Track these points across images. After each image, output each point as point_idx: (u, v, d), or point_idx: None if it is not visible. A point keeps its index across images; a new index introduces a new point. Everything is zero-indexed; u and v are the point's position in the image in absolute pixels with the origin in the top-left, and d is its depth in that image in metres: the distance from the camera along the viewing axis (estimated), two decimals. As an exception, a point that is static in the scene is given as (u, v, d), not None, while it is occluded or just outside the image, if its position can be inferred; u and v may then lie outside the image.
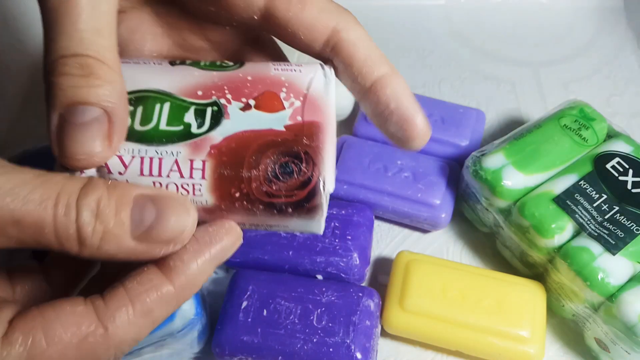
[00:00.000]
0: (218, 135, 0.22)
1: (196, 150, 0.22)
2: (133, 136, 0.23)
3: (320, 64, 0.25)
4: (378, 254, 0.42)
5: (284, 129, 0.23)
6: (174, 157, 0.22)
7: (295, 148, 0.23)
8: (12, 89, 0.50)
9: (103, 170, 0.22)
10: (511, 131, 0.41)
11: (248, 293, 0.35)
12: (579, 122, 0.40)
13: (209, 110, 0.23)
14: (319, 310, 0.34)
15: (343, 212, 0.39)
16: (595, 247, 0.35)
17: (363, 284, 0.39)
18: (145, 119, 0.23)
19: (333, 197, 0.41)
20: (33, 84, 0.52)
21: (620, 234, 0.35)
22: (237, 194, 0.22)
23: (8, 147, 0.46)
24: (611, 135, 0.40)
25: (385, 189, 0.41)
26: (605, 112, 0.42)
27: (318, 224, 0.24)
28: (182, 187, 0.22)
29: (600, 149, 0.39)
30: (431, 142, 0.43)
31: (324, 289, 0.35)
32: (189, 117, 0.23)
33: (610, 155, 0.38)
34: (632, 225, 0.35)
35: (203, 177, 0.22)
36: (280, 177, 0.22)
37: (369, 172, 0.41)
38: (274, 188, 0.22)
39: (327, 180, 0.23)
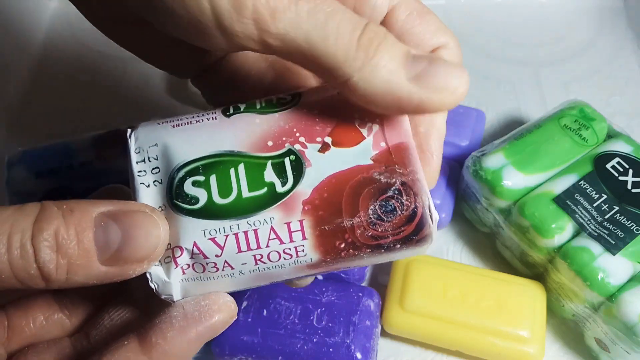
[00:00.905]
0: (306, 188, 0.21)
1: (289, 211, 0.21)
2: (219, 212, 0.21)
3: None
4: (378, 254, 0.42)
5: (371, 162, 0.21)
6: (269, 224, 0.20)
7: (390, 181, 0.21)
8: (12, 89, 0.51)
9: (199, 257, 0.21)
10: (511, 131, 0.41)
11: (248, 293, 0.35)
12: (579, 122, 0.40)
13: (287, 162, 0.21)
14: (319, 310, 0.34)
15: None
16: (595, 247, 0.35)
17: (363, 284, 0.39)
18: (224, 189, 0.21)
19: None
20: (33, 84, 0.52)
21: (620, 234, 0.35)
22: (342, 245, 0.21)
23: (8, 147, 0.46)
24: (611, 135, 0.40)
25: (385, 189, 0.41)
26: (605, 112, 0.42)
27: (426, 249, 0.22)
28: (284, 252, 0.21)
29: (600, 149, 0.39)
30: (431, 142, 0.43)
31: (324, 289, 0.35)
32: (269, 175, 0.21)
33: (610, 155, 0.38)
34: (632, 225, 0.35)
35: (304, 238, 0.21)
36: (384, 218, 0.21)
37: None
38: (379, 230, 0.21)
39: (432, 206, 0.21)
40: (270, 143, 0.21)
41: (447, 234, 0.43)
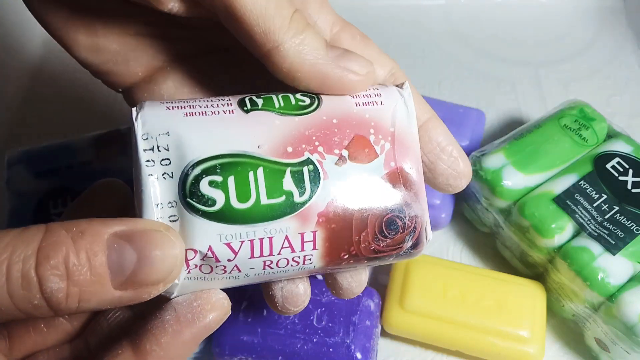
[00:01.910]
0: (322, 201, 0.21)
1: (304, 222, 0.21)
2: (236, 217, 0.20)
3: (398, 89, 0.24)
4: (378, 254, 0.42)
5: (382, 181, 0.22)
6: (284, 233, 0.21)
7: (397, 201, 0.22)
8: (12, 89, 0.51)
9: (210, 260, 0.20)
10: (511, 131, 0.41)
11: (248, 293, 0.35)
12: (579, 122, 0.40)
13: (305, 172, 0.21)
14: (319, 310, 0.34)
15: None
16: (595, 247, 0.35)
17: (363, 284, 0.39)
18: (243, 194, 0.20)
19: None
20: (33, 84, 0.52)
21: (620, 234, 0.35)
22: (346, 256, 0.22)
23: (8, 147, 0.46)
24: (611, 135, 0.40)
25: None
26: (605, 112, 0.42)
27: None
28: (293, 259, 0.21)
29: (600, 149, 0.39)
30: (431, 142, 0.43)
31: (324, 289, 0.35)
32: (288, 183, 0.21)
33: (610, 155, 0.38)
34: (632, 225, 0.35)
35: (314, 248, 0.21)
36: (387, 234, 0.22)
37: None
38: (381, 245, 0.22)
39: (429, 226, 0.23)
40: (289, 149, 0.21)
41: (447, 234, 0.43)
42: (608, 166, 0.38)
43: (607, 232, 0.35)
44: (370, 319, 0.35)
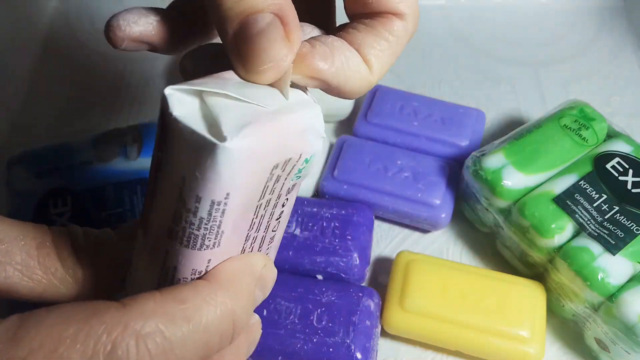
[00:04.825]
0: None
1: None
2: None
3: None
4: (378, 254, 0.42)
5: None
6: None
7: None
8: (12, 89, 0.50)
9: None
10: (511, 131, 0.41)
11: (248, 293, 0.35)
12: (579, 122, 0.40)
13: None
14: (319, 310, 0.34)
15: (343, 212, 0.39)
16: (595, 247, 0.35)
17: (363, 284, 0.39)
18: None
19: (333, 197, 0.41)
20: (33, 84, 0.52)
21: (620, 234, 0.35)
22: None
23: (8, 147, 0.46)
24: (611, 135, 0.40)
25: (385, 189, 0.41)
26: (605, 112, 0.42)
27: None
28: None
29: (600, 149, 0.39)
30: (431, 142, 0.43)
31: (324, 289, 0.35)
32: None
33: (610, 155, 0.38)
34: (632, 225, 0.35)
35: None
36: None
37: (369, 172, 0.41)
38: None
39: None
40: None
41: (447, 234, 0.43)
42: (608, 166, 0.38)
43: (607, 232, 0.35)
44: (370, 319, 0.35)
